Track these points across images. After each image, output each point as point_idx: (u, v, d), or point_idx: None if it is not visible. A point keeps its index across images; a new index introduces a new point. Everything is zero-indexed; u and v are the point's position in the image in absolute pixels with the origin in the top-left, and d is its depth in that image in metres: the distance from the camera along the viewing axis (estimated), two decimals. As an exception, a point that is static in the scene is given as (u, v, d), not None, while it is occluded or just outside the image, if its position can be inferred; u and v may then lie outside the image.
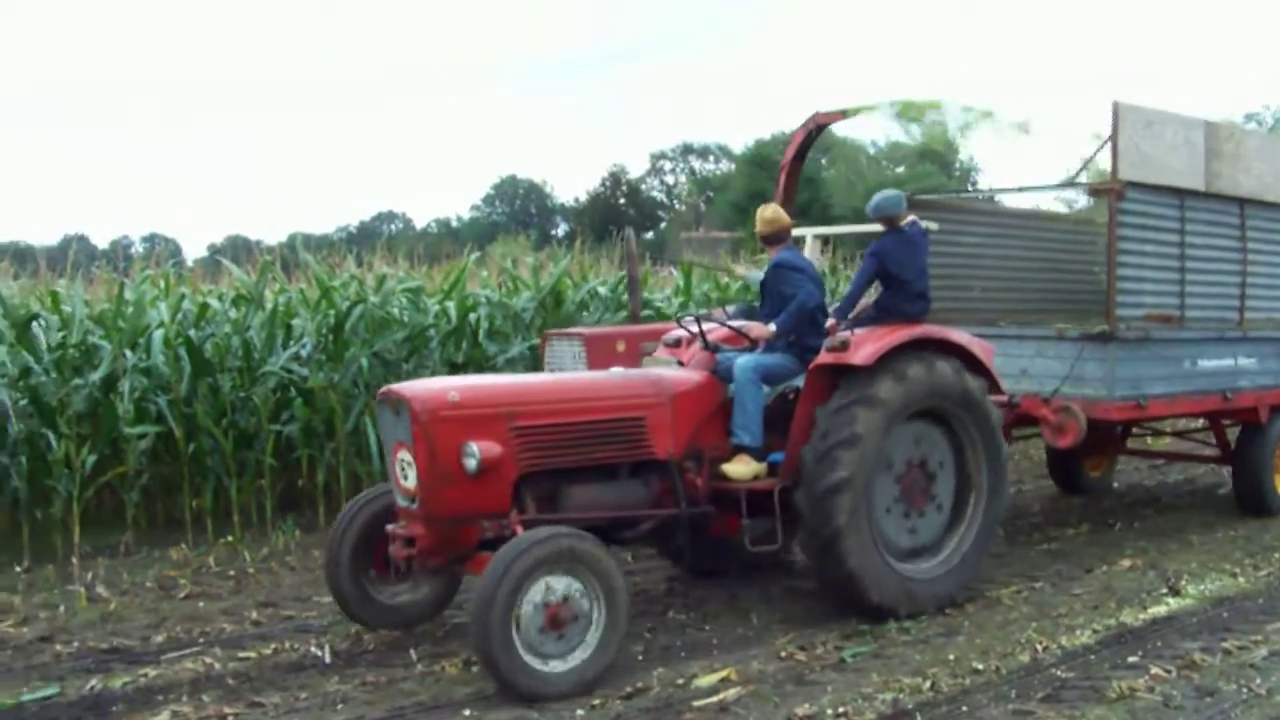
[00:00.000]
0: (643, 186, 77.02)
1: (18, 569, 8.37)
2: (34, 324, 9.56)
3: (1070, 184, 8.64)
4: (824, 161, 52.50)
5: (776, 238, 7.23)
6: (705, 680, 5.66)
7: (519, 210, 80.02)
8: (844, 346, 6.54)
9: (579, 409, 6.25)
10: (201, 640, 6.58)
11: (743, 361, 6.77)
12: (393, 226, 75.44)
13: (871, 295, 7.41)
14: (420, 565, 6.07)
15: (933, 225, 7.27)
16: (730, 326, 7.12)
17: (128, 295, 10.27)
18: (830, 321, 6.87)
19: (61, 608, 7.26)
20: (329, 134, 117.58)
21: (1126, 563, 7.99)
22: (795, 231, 10.56)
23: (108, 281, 11.25)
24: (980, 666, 5.75)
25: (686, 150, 79.59)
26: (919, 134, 9.74)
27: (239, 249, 21.90)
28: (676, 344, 7.50)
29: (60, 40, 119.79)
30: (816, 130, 10.43)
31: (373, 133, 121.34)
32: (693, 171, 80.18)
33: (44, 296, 10.65)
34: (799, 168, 10.70)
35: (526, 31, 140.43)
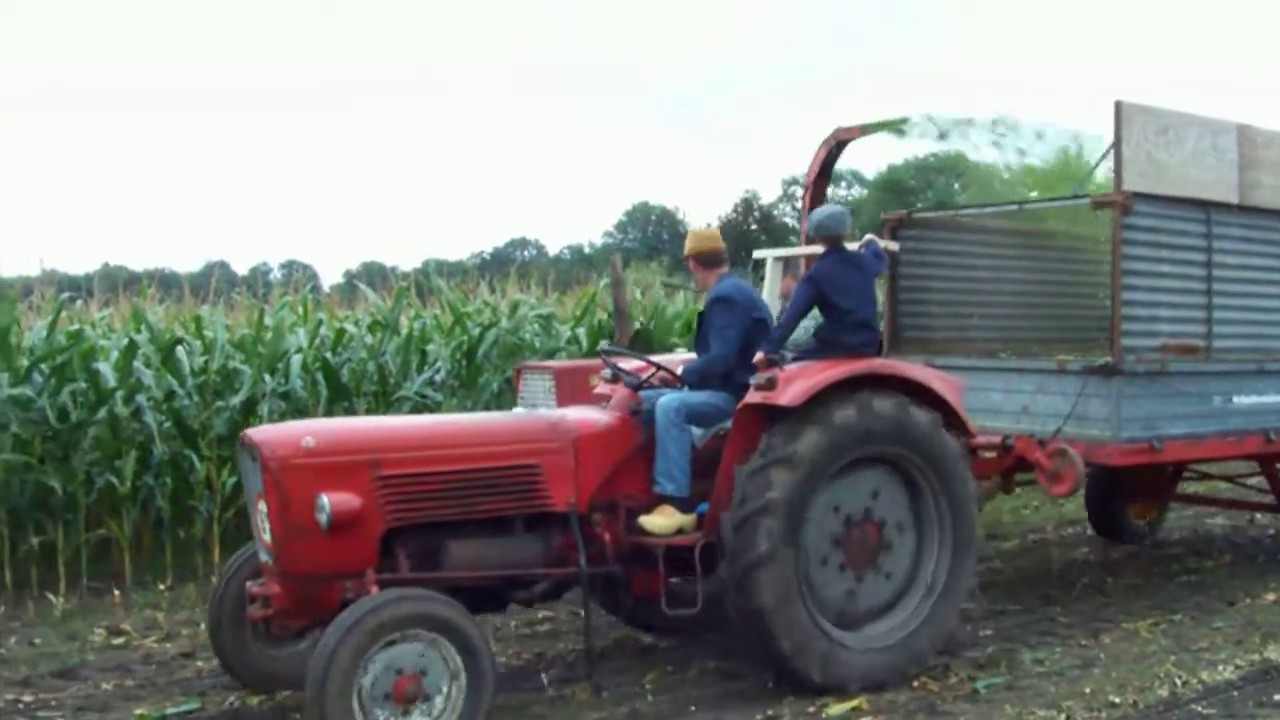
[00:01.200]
0: (775, 212, 76.24)
1: (161, 587, 8.59)
2: (178, 349, 9.86)
3: (1072, 199, 7.63)
4: (957, 186, 51.26)
5: (715, 259, 6.52)
6: (836, 709, 5.57)
7: (650, 236, 79.84)
8: (771, 385, 5.76)
9: (457, 456, 5.60)
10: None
11: (665, 401, 6.04)
12: (525, 253, 75.96)
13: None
14: (278, 628, 5.49)
15: (893, 246, 6.44)
16: (651, 362, 6.40)
17: (267, 321, 10.61)
18: (759, 355, 6.11)
19: (202, 625, 7.15)
20: (464, 161, 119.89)
21: (1271, 596, 7.68)
22: (758, 253, 9.88)
23: (248, 307, 11.78)
24: (1117, 700, 5.59)
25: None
26: (1045, 154, 8.98)
27: (374, 275, 22.33)
28: (615, 379, 6.81)
29: (202, 78, 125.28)
30: (838, 147, 9.71)
31: (506, 160, 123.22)
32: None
33: (188, 322, 11.03)
34: (824, 185, 9.97)
35: (655, 58, 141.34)
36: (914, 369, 6.16)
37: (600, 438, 5.95)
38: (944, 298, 8.45)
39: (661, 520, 5.95)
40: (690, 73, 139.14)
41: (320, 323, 10.88)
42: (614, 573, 5.91)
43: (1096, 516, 9.74)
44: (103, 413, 8.97)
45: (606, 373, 6.87)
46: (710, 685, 6.08)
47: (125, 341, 9.60)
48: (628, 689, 6.01)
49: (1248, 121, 7.68)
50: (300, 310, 11.50)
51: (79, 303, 11.93)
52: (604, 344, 8.32)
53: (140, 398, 9.20)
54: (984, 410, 7.70)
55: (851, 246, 6.50)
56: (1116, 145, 6.94)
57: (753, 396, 5.82)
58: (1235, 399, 7.59)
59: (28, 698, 6.19)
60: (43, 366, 9.02)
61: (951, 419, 6.17)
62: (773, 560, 5.55)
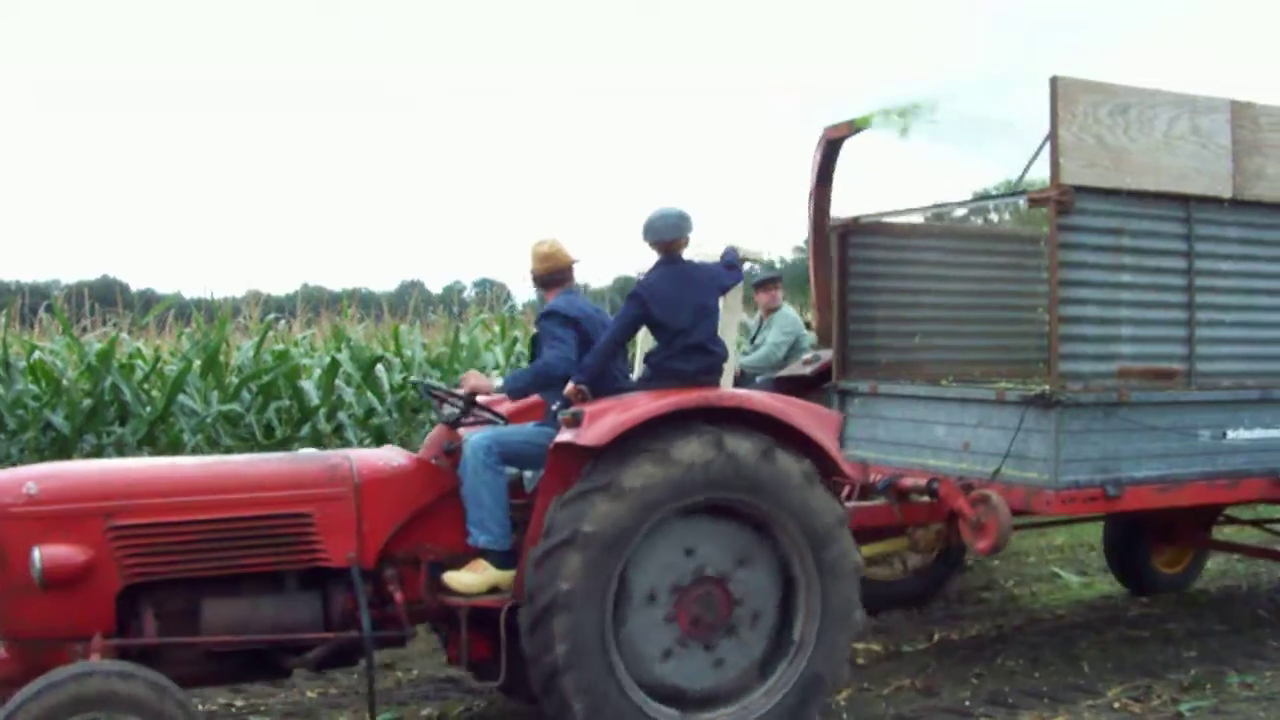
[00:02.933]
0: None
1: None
2: (378, 367, 10.16)
3: (1010, 195, 6.42)
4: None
5: (555, 279, 5.69)
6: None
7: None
8: (576, 421, 4.90)
9: (210, 504, 4.89)
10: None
11: (475, 440, 5.24)
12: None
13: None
14: (4, 697, 4.91)
15: (759, 256, 5.44)
16: (458, 396, 5.58)
17: (463, 339, 11.02)
18: (569, 385, 5.25)
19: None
20: (653, 177, 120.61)
21: None
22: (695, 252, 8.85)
23: (444, 325, 12.36)
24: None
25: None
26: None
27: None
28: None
29: (381, 96, 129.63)
30: (831, 148, 8.66)
31: (699, 174, 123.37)
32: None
33: (387, 340, 11.41)
34: (826, 193, 8.91)
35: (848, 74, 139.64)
36: (770, 402, 5.16)
37: (390, 483, 5.17)
38: (890, 314, 7.33)
39: (470, 577, 5.15)
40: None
41: (515, 340, 11.26)
42: (406, 636, 5.14)
43: (1117, 564, 8.40)
44: (306, 429, 9.35)
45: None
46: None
47: (327, 360, 10.09)
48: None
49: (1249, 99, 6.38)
50: (495, 328, 11.87)
51: (282, 323, 12.69)
52: (419, 378, 7.55)
53: (342, 415, 9.57)
54: (927, 446, 6.63)
55: (712, 255, 5.55)
56: (1053, 129, 5.78)
57: (563, 434, 4.97)
58: (1230, 434, 6.27)
59: (239, 702, 6.15)
60: (251, 385, 9.54)
61: (823, 462, 5.16)
62: (574, 602, 4.67)
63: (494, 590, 5.12)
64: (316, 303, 14.49)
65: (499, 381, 5.46)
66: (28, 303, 12.54)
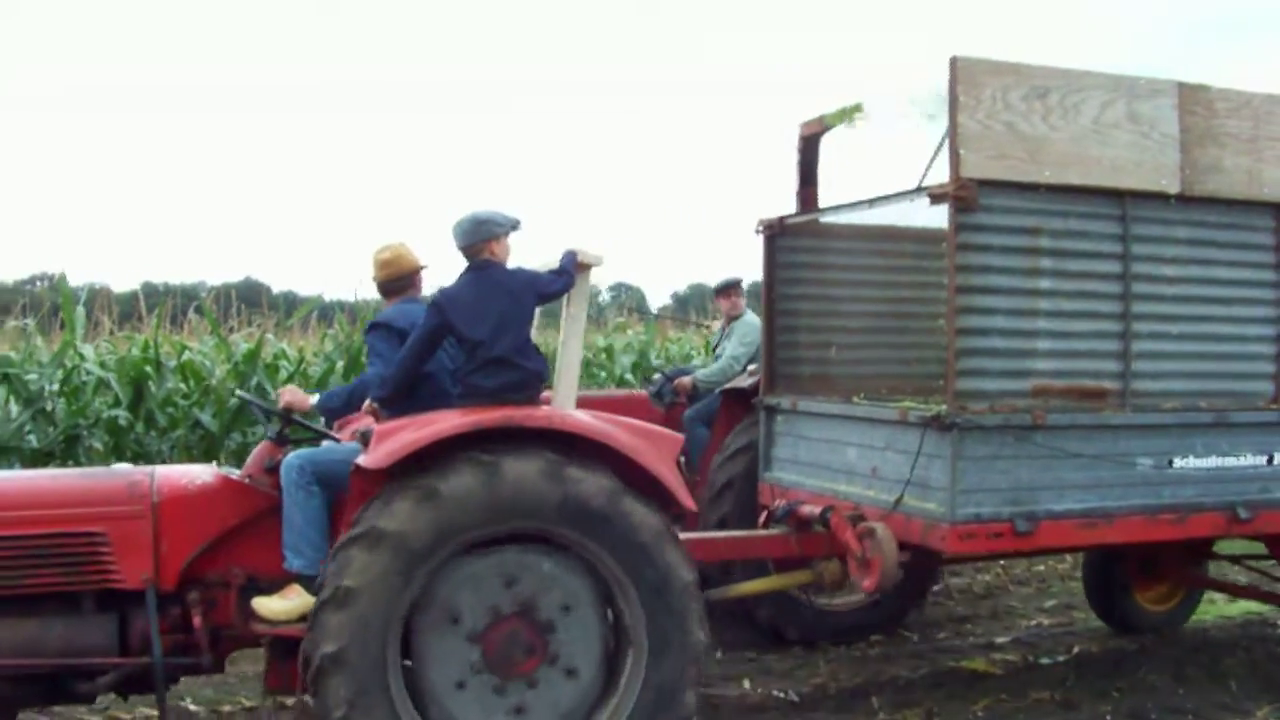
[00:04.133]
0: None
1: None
2: None
3: (910, 192, 5.71)
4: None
5: (396, 286, 5.32)
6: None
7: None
8: (365, 439, 4.48)
9: None
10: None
11: (289, 459, 4.88)
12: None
13: None
14: None
15: (595, 259, 4.88)
16: (255, 405, 5.18)
17: (599, 341, 11.27)
18: (367, 402, 4.79)
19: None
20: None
21: None
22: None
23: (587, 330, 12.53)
24: None
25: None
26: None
27: (699, 298, 22.87)
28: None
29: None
30: (807, 145, 8.06)
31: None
32: None
33: None
34: (812, 193, 8.34)
35: None
36: (588, 422, 4.62)
37: (193, 502, 4.81)
38: (813, 323, 6.69)
39: (280, 604, 4.76)
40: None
41: (650, 343, 11.51)
42: (204, 664, 4.77)
43: (1094, 597, 7.61)
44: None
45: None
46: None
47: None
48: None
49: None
50: (632, 332, 12.35)
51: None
52: (239, 391, 7.12)
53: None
54: (840, 470, 6.01)
55: (548, 263, 5.03)
56: (952, 116, 5.12)
57: (361, 455, 4.54)
58: (1179, 462, 5.49)
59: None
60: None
61: (656, 489, 4.61)
62: (344, 663, 4.22)
63: (304, 618, 4.71)
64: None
65: (315, 398, 5.08)
66: (177, 304, 12.99)
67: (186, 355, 10.46)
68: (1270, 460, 5.67)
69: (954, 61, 5.08)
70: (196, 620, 4.74)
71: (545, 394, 5.03)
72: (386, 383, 4.82)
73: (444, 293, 4.78)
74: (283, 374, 10.61)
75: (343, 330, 11.34)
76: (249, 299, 14.85)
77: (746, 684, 6.29)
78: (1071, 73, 5.31)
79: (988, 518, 5.12)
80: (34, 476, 5.29)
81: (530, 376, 4.73)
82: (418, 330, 4.82)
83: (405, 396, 4.82)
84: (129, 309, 12.90)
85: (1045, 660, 6.77)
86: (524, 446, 4.43)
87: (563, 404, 4.94)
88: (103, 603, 4.73)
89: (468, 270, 4.81)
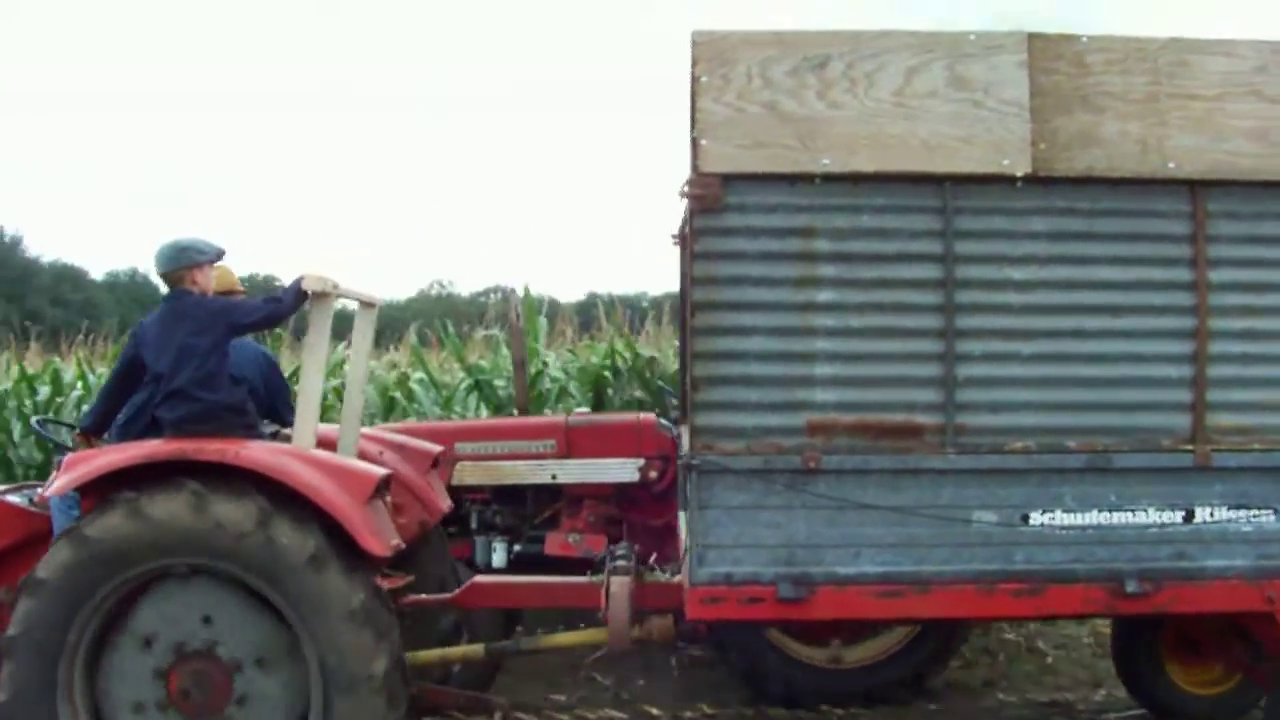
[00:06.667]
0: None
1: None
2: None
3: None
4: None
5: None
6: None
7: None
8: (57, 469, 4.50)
9: None
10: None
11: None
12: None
13: None
14: None
15: (324, 284, 4.48)
16: (46, 425, 5.23)
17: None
18: (75, 431, 4.71)
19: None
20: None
21: None
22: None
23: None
24: None
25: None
26: None
27: None
28: None
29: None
30: None
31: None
32: None
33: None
34: None
35: None
36: (265, 458, 4.31)
37: None
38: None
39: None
40: None
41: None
42: None
43: (1125, 675, 6.14)
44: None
45: None
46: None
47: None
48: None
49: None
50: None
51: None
52: (35, 418, 7.00)
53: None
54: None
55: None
56: (692, 101, 4.30)
57: None
58: (1038, 518, 4.27)
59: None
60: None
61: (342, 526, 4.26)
62: (18, 712, 4.24)
63: None
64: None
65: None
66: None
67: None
68: (1189, 517, 4.28)
69: (694, 36, 4.27)
70: None
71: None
72: (90, 413, 4.80)
73: (141, 323, 4.74)
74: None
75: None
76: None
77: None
78: (862, 35, 4.30)
79: (741, 579, 4.23)
80: None
81: (214, 409, 4.50)
82: (119, 358, 4.78)
83: (105, 427, 4.77)
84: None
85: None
86: (214, 481, 4.25)
87: (301, 439, 4.68)
88: None
89: (163, 300, 4.70)
